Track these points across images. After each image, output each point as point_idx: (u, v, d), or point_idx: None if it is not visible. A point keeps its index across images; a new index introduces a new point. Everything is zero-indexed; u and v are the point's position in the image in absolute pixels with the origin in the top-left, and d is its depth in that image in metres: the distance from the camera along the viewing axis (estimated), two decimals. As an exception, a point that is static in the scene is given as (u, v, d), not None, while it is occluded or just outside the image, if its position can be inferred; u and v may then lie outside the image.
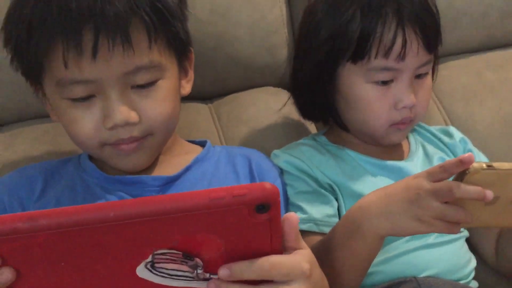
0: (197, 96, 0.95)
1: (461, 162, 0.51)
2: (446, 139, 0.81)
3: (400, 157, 0.78)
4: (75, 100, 0.62)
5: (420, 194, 0.54)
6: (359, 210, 0.60)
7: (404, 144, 0.80)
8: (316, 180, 0.72)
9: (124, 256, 0.44)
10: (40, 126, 0.88)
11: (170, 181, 0.68)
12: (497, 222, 0.60)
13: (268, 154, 0.79)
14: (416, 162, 0.76)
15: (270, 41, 0.95)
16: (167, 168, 0.70)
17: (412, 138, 0.81)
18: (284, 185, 0.73)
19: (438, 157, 0.78)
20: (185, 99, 0.94)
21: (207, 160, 0.72)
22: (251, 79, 0.97)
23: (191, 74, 0.73)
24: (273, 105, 0.93)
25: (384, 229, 0.58)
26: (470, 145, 0.82)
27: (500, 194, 0.53)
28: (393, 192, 0.57)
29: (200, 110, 0.95)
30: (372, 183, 0.73)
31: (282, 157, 0.75)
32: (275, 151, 0.77)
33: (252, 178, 0.71)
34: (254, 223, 0.42)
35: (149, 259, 0.44)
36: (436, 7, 0.73)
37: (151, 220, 0.41)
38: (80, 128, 0.63)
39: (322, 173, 0.72)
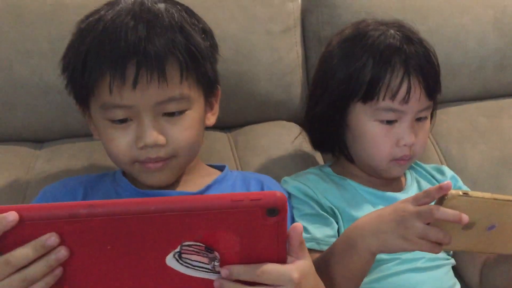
0: (218, 125, 1.03)
1: (441, 188, 0.59)
2: (438, 176, 0.90)
3: (397, 190, 0.86)
4: (114, 121, 0.72)
5: (406, 215, 0.62)
6: (355, 229, 0.68)
7: (402, 178, 0.88)
8: (319, 204, 0.81)
9: (158, 245, 0.52)
10: (76, 145, 0.98)
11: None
12: (473, 247, 0.67)
13: (278, 180, 0.86)
14: (411, 194, 0.84)
15: (286, 80, 1.04)
16: (190, 186, 0.79)
17: (408, 174, 0.90)
18: (291, 208, 0.81)
19: (430, 192, 0.87)
20: (207, 128, 1.04)
21: (225, 182, 0.81)
22: (267, 112, 1.05)
23: (216, 108, 0.82)
24: (285, 137, 1.01)
25: (375, 246, 0.66)
26: (460, 183, 0.90)
27: (475, 220, 0.60)
28: (383, 213, 0.65)
29: (220, 138, 1.03)
30: (369, 210, 0.80)
31: (290, 183, 0.84)
32: (285, 178, 0.86)
33: None
34: (265, 225, 0.51)
35: (178, 249, 0.52)
36: (437, 60, 0.83)
37: (182, 215, 0.50)
38: (116, 146, 0.73)
39: (326, 198, 0.81)
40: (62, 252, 0.52)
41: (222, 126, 1.05)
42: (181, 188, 0.79)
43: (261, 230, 0.52)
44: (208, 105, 0.80)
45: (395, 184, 0.87)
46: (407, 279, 0.76)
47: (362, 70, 0.79)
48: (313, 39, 1.07)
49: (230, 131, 1.06)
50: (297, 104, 1.06)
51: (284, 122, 1.06)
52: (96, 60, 0.70)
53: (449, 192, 0.59)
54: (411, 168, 0.91)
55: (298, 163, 0.98)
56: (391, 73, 0.78)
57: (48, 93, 0.94)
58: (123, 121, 0.72)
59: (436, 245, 0.61)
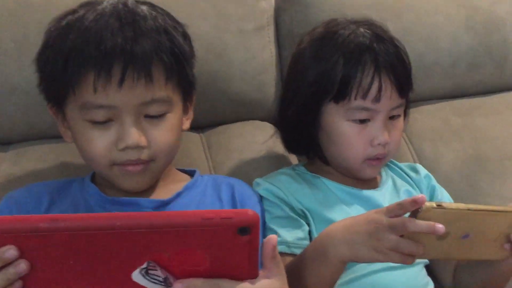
0: (191, 125, 1.02)
1: (415, 201, 0.59)
2: (413, 174, 0.90)
3: (372, 187, 0.85)
4: (94, 122, 0.71)
5: (379, 227, 0.61)
6: (326, 237, 0.67)
7: (377, 176, 0.88)
8: (290, 207, 0.80)
9: (123, 261, 0.50)
10: (44, 146, 0.95)
11: (163, 205, 0.75)
12: (448, 255, 0.67)
13: (251, 181, 0.85)
14: (385, 192, 0.84)
15: (260, 79, 1.03)
16: (160, 193, 0.78)
17: (383, 171, 0.89)
18: (263, 210, 0.81)
19: (405, 190, 0.86)
20: (180, 129, 1.03)
21: (195, 188, 0.80)
22: (240, 112, 1.04)
23: (191, 113, 0.82)
24: (259, 137, 1.00)
25: (346, 256, 0.65)
26: (434, 182, 0.90)
27: (450, 230, 0.60)
28: (356, 223, 0.65)
29: (192, 138, 1.01)
30: (342, 210, 0.80)
31: (262, 185, 0.82)
32: (257, 180, 0.84)
33: (234, 204, 0.79)
34: (236, 243, 0.50)
35: (145, 265, 0.51)
36: (408, 58, 0.83)
37: (150, 232, 0.49)
38: (95, 147, 0.72)
39: (297, 200, 0.80)
40: (22, 266, 0.50)
41: (195, 126, 1.02)
42: (152, 195, 0.78)
43: (232, 248, 0.50)
44: (185, 109, 0.80)
45: (369, 182, 0.86)
46: (379, 279, 0.76)
47: (333, 70, 0.79)
48: (287, 37, 1.07)
49: (203, 131, 1.05)
50: (271, 103, 1.05)
51: (258, 122, 1.05)
52: (80, 58, 0.69)
53: (424, 205, 0.59)
54: (386, 166, 0.91)
55: (272, 163, 0.97)
56: (361, 72, 0.78)
57: (13, 94, 0.91)
58: (103, 122, 0.71)
59: (409, 257, 0.61)
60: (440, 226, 0.58)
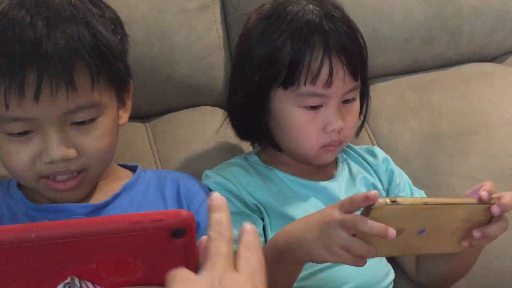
0: (134, 115, 0.95)
1: (367, 198, 0.55)
2: (370, 158, 0.86)
3: (328, 177, 0.81)
4: (12, 134, 0.63)
5: (330, 223, 0.57)
6: (282, 236, 0.63)
7: (332, 164, 0.83)
8: (242, 201, 0.75)
9: (44, 277, 0.45)
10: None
11: (98, 209, 0.69)
12: (404, 252, 0.64)
13: (201, 174, 0.80)
14: (341, 182, 0.80)
15: (207, 62, 0.97)
16: (96, 195, 0.71)
17: (340, 158, 0.85)
18: None
19: (361, 177, 0.82)
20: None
21: (136, 187, 0.73)
22: (188, 98, 0.99)
23: (129, 104, 0.74)
24: (208, 124, 0.95)
25: (299, 256, 0.61)
26: (392, 165, 0.86)
27: (405, 226, 0.57)
28: (310, 220, 0.60)
29: (136, 129, 0.95)
30: (297, 203, 0.76)
31: (212, 178, 0.77)
32: (207, 172, 0.79)
33: (179, 202, 0.73)
34: (171, 247, 0.45)
35: (68, 280, 0.45)
36: (362, 38, 0.77)
37: (72, 242, 0.43)
38: (16, 162, 0.64)
39: (249, 193, 0.75)
40: None
41: (138, 115, 0.97)
42: (86, 198, 0.70)
43: (167, 252, 0.46)
44: (121, 103, 0.71)
45: (325, 171, 0.82)
46: (337, 272, 0.72)
47: (281, 52, 0.73)
48: (235, 16, 1.01)
49: (148, 121, 0.99)
50: (220, 87, 1.00)
51: (207, 108, 1.00)
52: None
53: (377, 202, 0.55)
54: (342, 151, 0.87)
55: (223, 153, 0.92)
56: (310, 54, 0.72)
57: None
58: (22, 133, 0.63)
59: (360, 259, 0.57)
60: (392, 231, 0.54)
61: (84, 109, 0.63)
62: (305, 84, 0.73)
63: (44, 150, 0.63)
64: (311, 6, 0.74)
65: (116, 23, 0.69)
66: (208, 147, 0.93)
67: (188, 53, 0.96)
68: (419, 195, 0.85)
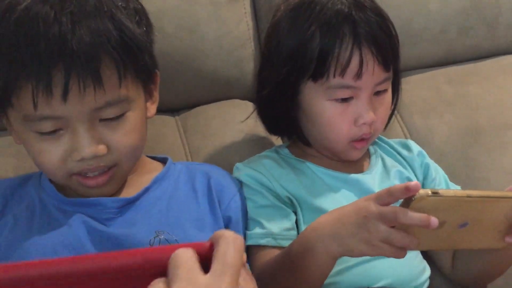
0: (164, 108, 0.96)
1: (407, 189, 0.53)
2: (404, 152, 0.84)
3: (360, 170, 0.79)
4: (42, 133, 0.62)
5: (368, 217, 0.56)
6: (313, 231, 0.62)
7: (365, 157, 0.81)
8: (275, 194, 0.74)
9: None
10: (4, 139, 0.87)
11: (129, 203, 0.68)
12: (444, 245, 0.62)
13: (232, 166, 0.79)
14: (375, 175, 0.78)
15: (237, 55, 0.97)
16: (128, 188, 0.71)
17: (372, 150, 0.83)
18: (244, 199, 0.74)
19: (396, 170, 0.80)
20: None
21: (166, 179, 0.72)
22: (218, 91, 0.98)
23: (156, 96, 0.73)
24: (239, 117, 0.94)
25: (335, 251, 0.60)
26: (427, 159, 0.84)
27: (446, 219, 0.55)
28: (344, 214, 0.59)
29: (167, 122, 0.95)
30: (330, 196, 0.75)
31: (243, 170, 0.76)
32: (237, 165, 0.78)
33: (210, 195, 0.72)
34: None
35: None
36: (393, 27, 0.75)
37: (83, 279, 0.39)
38: (47, 160, 0.63)
39: (282, 186, 0.74)
40: None
41: (169, 108, 0.98)
42: (117, 191, 0.70)
43: None
44: (148, 95, 0.70)
45: (357, 164, 0.80)
46: (372, 268, 0.70)
47: (310, 44, 0.71)
48: (265, 8, 1.00)
49: (178, 114, 0.99)
50: (250, 80, 0.99)
51: (238, 101, 0.99)
52: (11, 67, 0.59)
53: (417, 193, 0.52)
54: (375, 143, 0.85)
55: (253, 145, 0.91)
56: (339, 45, 0.70)
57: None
58: (52, 132, 0.62)
59: (401, 250, 0.56)
60: (434, 220, 0.52)
61: (113, 105, 0.62)
62: (334, 76, 0.71)
63: (74, 148, 0.62)
64: None
65: (140, 13, 0.67)
66: (239, 140, 0.92)
67: (219, 46, 0.95)
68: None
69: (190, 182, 0.73)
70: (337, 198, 0.74)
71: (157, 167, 0.75)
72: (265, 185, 0.74)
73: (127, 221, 0.67)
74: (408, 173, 0.81)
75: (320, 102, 0.73)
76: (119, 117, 0.63)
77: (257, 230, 0.71)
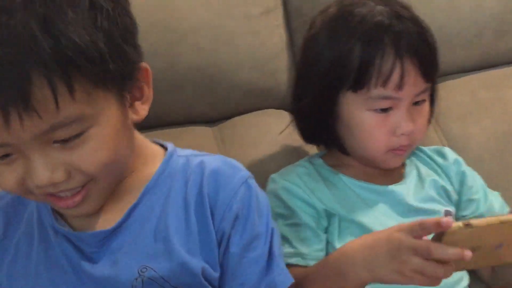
0: (200, 120, 0.99)
1: (439, 225, 0.53)
2: (439, 160, 0.83)
3: (396, 180, 0.79)
4: None
5: (401, 249, 0.56)
6: (344, 257, 0.62)
7: (400, 166, 0.81)
8: (312, 207, 0.74)
9: None
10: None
11: (112, 232, 0.60)
12: (483, 264, 0.62)
13: (268, 175, 0.80)
14: (409, 185, 0.78)
15: (271, 66, 0.98)
16: (113, 209, 0.61)
17: (408, 160, 0.83)
18: (268, 216, 0.64)
19: (431, 180, 0.80)
20: (189, 123, 0.99)
21: (159, 186, 0.62)
22: (253, 102, 1.00)
23: (147, 93, 0.60)
24: (275, 127, 0.95)
25: (366, 278, 0.60)
26: (464, 166, 0.83)
27: (481, 244, 0.55)
28: (376, 244, 0.59)
29: (204, 133, 0.97)
30: (363, 208, 0.75)
31: (279, 183, 0.77)
32: (273, 176, 0.79)
33: (202, 209, 0.61)
34: None
35: None
36: (433, 37, 0.75)
37: None
38: (5, 184, 0.55)
39: (318, 199, 0.75)
40: None
41: (205, 120, 1.00)
42: (101, 214, 0.61)
43: None
44: (127, 99, 0.57)
45: (392, 174, 0.80)
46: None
47: (349, 55, 0.72)
48: (297, 19, 1.01)
49: (215, 125, 1.01)
50: (284, 90, 1.00)
51: (273, 111, 1.01)
52: None
53: (450, 227, 0.53)
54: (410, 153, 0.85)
55: (289, 154, 0.92)
56: (381, 56, 0.71)
57: None
58: (5, 155, 0.53)
59: (435, 279, 0.56)
60: (468, 253, 0.53)
61: (63, 127, 0.51)
62: (375, 87, 0.72)
63: (28, 175, 0.53)
64: (379, 7, 0.73)
65: (102, 5, 0.52)
66: (275, 149, 0.93)
67: (253, 57, 0.97)
68: (494, 197, 0.82)
69: (184, 190, 0.62)
70: (370, 211, 0.75)
71: (155, 161, 0.64)
72: (303, 199, 0.74)
73: (112, 254, 0.59)
74: (444, 182, 0.80)
75: (360, 112, 0.74)
76: (77, 136, 0.52)
77: (287, 249, 0.71)
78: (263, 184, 0.80)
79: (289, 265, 0.69)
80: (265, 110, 1.01)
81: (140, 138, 0.64)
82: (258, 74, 0.98)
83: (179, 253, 0.59)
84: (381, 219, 0.73)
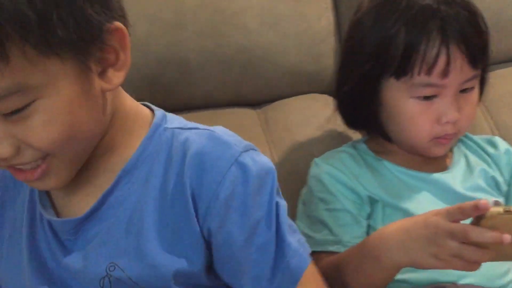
0: (245, 102, 0.99)
1: (477, 208, 0.52)
2: (490, 149, 0.81)
3: (442, 168, 0.78)
4: None
5: (438, 233, 0.55)
6: (379, 241, 0.62)
7: (447, 154, 0.79)
8: (355, 192, 0.73)
9: None
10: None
11: (80, 223, 0.55)
12: None
13: (311, 158, 0.80)
14: (456, 174, 0.77)
15: (317, 50, 0.98)
16: (91, 189, 0.56)
17: (455, 148, 0.81)
18: (271, 206, 0.55)
19: (480, 169, 0.78)
20: (233, 105, 1.00)
21: (136, 169, 0.55)
22: (298, 86, 1.00)
23: (123, 58, 0.52)
24: (318, 111, 0.95)
25: (402, 262, 0.60)
26: (515, 157, 0.80)
27: None
28: (413, 228, 0.59)
29: (248, 115, 0.98)
30: (408, 195, 0.74)
31: (323, 167, 0.76)
32: (316, 160, 0.79)
33: (183, 202, 0.53)
34: None
35: None
36: (484, 23, 0.72)
37: None
38: None
39: (361, 184, 0.74)
40: None
41: (249, 102, 1.00)
42: (78, 194, 0.56)
43: None
44: (101, 62, 0.51)
45: (438, 162, 0.78)
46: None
47: (394, 40, 0.70)
48: (346, 3, 1.00)
49: (260, 107, 1.01)
50: (330, 75, 0.99)
51: (317, 95, 1.00)
52: None
53: (489, 211, 0.52)
54: (458, 140, 0.83)
55: (332, 138, 0.92)
56: (426, 42, 0.69)
57: None
58: None
59: (474, 264, 0.55)
60: (507, 237, 0.52)
61: (3, 98, 0.46)
62: (419, 74, 0.70)
63: None
64: None
65: None
66: (319, 133, 0.93)
67: (299, 41, 0.97)
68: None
69: (164, 174, 0.54)
70: (415, 198, 0.74)
71: (141, 135, 0.56)
72: (346, 184, 0.74)
73: (87, 244, 0.55)
74: (494, 172, 0.78)
75: (403, 100, 0.72)
76: (21, 109, 0.47)
77: (328, 236, 0.71)
78: (306, 168, 0.81)
79: (328, 252, 0.69)
80: (309, 94, 1.00)
81: (127, 108, 0.56)
82: (304, 57, 0.97)
83: (150, 252, 0.53)
84: (426, 206, 0.72)
